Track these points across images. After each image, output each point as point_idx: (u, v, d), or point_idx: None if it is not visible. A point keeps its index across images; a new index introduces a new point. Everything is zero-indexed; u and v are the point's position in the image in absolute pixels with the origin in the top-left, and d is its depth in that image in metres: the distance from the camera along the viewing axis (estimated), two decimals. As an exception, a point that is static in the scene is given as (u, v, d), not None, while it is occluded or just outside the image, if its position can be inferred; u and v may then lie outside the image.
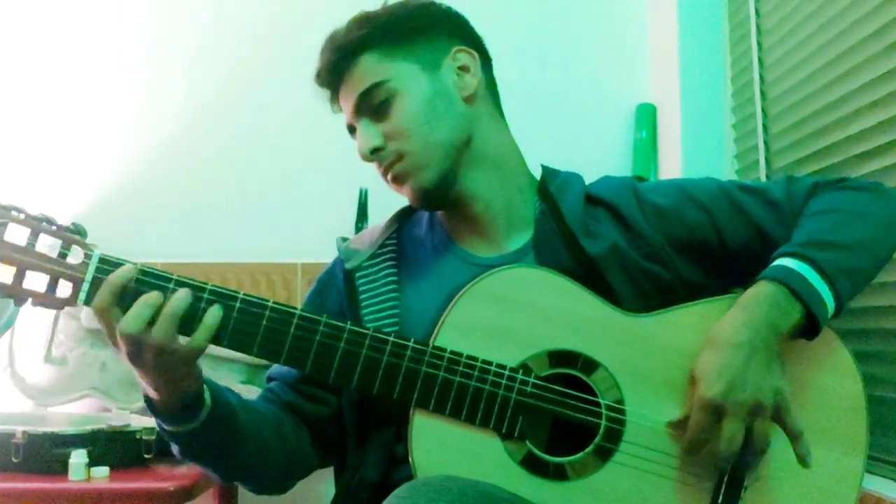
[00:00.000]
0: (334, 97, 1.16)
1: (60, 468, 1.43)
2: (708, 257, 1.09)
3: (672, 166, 1.98)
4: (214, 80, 2.12)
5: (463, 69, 1.13)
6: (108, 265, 0.93)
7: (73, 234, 0.94)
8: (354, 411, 1.10)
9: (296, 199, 2.08)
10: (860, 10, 1.39)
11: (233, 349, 0.97)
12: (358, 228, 1.85)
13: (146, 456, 1.51)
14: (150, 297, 0.91)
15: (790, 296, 0.96)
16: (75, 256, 0.93)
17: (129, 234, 2.02)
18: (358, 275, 1.12)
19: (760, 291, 0.98)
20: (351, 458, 1.10)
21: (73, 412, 1.81)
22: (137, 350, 0.91)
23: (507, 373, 0.97)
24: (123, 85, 2.12)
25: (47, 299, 0.93)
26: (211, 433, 0.99)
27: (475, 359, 0.97)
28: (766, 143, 1.76)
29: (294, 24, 2.09)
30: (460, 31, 1.17)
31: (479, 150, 1.12)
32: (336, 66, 1.12)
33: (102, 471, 1.44)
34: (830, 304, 0.98)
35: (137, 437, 1.51)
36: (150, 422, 1.55)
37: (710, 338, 0.97)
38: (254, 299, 0.96)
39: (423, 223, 1.20)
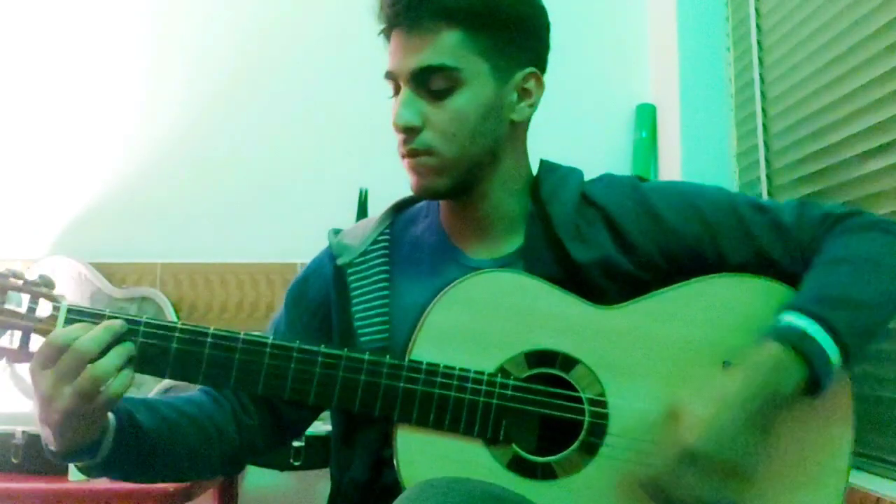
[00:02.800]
0: (387, 31, 1.06)
1: (60, 468, 1.43)
2: (701, 267, 1.06)
3: (672, 166, 1.98)
4: (214, 80, 2.12)
5: (525, 93, 1.09)
6: (76, 315, 0.94)
7: (39, 288, 0.96)
8: (338, 412, 1.10)
9: (296, 199, 2.09)
10: (860, 10, 1.39)
11: (208, 385, 0.99)
12: (358, 228, 1.85)
13: (146, 456, 1.50)
14: (114, 324, 0.92)
15: (798, 358, 0.92)
16: (44, 309, 0.95)
17: (129, 235, 2.00)
18: (350, 271, 1.10)
19: (767, 353, 0.93)
20: (338, 459, 1.10)
21: (73, 412, 1.81)
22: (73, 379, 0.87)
23: (485, 378, 0.97)
24: (123, 85, 2.12)
25: (21, 355, 0.95)
26: (117, 461, 0.98)
27: (452, 368, 0.97)
28: (766, 142, 1.76)
29: (294, 24, 2.09)
30: (544, 54, 1.12)
31: (503, 170, 1.09)
32: (415, 12, 1.02)
33: (102, 471, 1.44)
34: (837, 364, 0.94)
35: (137, 437, 1.51)
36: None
37: (705, 389, 0.93)
38: (225, 334, 0.96)
39: (422, 222, 1.17)
